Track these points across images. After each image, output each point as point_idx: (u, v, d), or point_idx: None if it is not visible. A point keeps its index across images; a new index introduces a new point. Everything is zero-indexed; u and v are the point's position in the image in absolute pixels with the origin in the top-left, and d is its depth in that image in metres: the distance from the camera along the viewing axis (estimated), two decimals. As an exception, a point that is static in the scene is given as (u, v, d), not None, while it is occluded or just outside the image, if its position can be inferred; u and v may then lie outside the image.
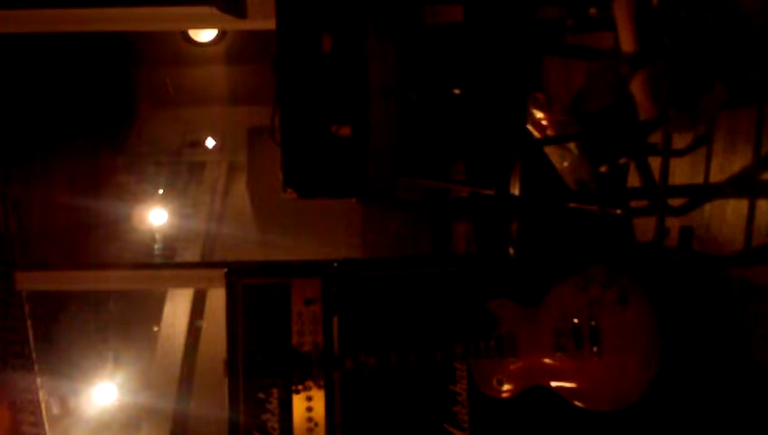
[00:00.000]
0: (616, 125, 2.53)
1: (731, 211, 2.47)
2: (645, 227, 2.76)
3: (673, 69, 2.17)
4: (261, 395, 2.42)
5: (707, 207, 2.59)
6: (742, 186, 2.41)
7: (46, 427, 4.07)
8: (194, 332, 6.51)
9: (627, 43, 2.20)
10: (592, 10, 2.58)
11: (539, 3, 2.78)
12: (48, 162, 5.84)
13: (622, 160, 2.63)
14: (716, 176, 2.54)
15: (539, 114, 2.88)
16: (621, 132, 2.54)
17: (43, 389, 3.99)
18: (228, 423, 2.43)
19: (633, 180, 2.80)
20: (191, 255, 6.80)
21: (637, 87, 2.22)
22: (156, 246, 6.93)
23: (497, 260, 2.70)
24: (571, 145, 2.86)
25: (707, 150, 2.57)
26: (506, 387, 2.28)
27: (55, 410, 4.93)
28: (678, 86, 2.19)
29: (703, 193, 2.61)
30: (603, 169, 2.59)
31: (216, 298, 5.86)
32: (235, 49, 6.91)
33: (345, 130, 2.33)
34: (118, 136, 6.93)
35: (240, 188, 7.20)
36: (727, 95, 2.24)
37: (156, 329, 6.52)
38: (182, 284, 5.57)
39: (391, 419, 2.43)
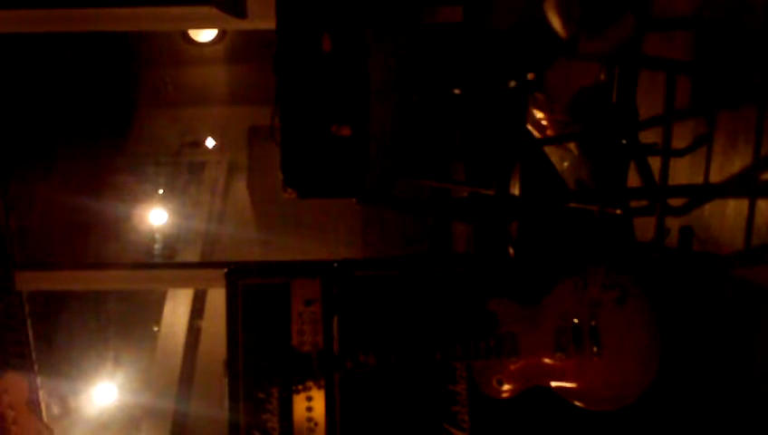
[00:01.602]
0: (610, 121, 2.53)
1: (731, 211, 2.47)
2: (645, 227, 2.76)
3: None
4: (261, 395, 2.42)
5: (707, 207, 2.59)
6: (742, 186, 2.41)
7: (46, 427, 4.06)
8: (194, 332, 6.51)
9: None
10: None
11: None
12: (48, 162, 5.83)
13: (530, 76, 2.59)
14: (716, 176, 2.54)
15: (539, 114, 2.88)
16: (615, 128, 2.54)
17: (43, 389, 3.98)
18: (228, 423, 2.43)
19: (633, 180, 2.80)
20: (191, 255, 6.80)
21: (550, 6, 2.23)
22: (156, 246, 6.93)
23: (497, 260, 2.70)
24: (571, 145, 2.87)
25: (707, 150, 2.57)
26: (506, 387, 2.28)
27: (55, 410, 4.93)
28: (590, 9, 2.19)
29: (703, 193, 2.61)
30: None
31: (216, 298, 5.86)
32: (235, 49, 6.91)
33: (345, 130, 2.33)
34: (118, 136, 6.93)
35: (240, 187, 7.20)
36: (636, 26, 2.25)
37: (156, 329, 6.51)
38: (182, 284, 5.57)
39: (391, 419, 2.43)
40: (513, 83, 2.53)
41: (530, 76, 2.59)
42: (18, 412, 2.44)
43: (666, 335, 2.23)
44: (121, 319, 6.21)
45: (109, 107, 6.69)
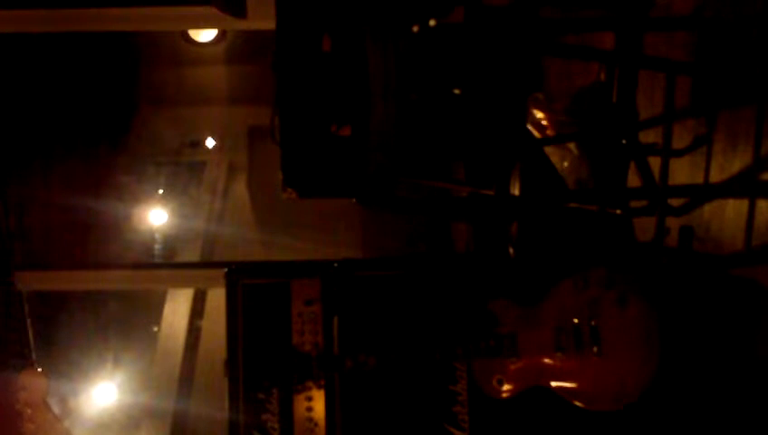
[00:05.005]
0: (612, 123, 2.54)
1: (731, 211, 2.47)
2: (645, 227, 2.77)
3: None
4: (261, 395, 2.42)
5: (707, 207, 2.59)
6: (742, 186, 2.41)
7: (46, 427, 4.06)
8: (194, 332, 6.50)
9: None
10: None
11: (539, 3, 2.78)
12: (48, 162, 5.83)
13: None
14: (716, 176, 2.54)
15: (539, 114, 2.88)
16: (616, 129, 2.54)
17: (43, 389, 3.97)
18: (228, 423, 2.43)
19: (633, 180, 2.80)
20: (191, 255, 6.79)
21: None
22: (156, 246, 6.93)
23: (497, 260, 2.70)
24: (571, 145, 2.87)
25: (707, 150, 2.57)
26: (506, 387, 2.28)
27: (55, 410, 4.92)
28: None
29: (703, 193, 2.61)
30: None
31: (216, 298, 5.86)
32: (235, 49, 6.91)
33: (345, 130, 2.33)
34: (118, 136, 6.93)
35: (240, 188, 7.20)
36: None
37: (156, 329, 6.51)
38: (182, 284, 5.57)
39: (391, 419, 2.43)
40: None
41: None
42: (35, 410, 2.45)
43: (666, 335, 2.23)
44: (121, 319, 6.21)
45: (109, 107, 6.69)
